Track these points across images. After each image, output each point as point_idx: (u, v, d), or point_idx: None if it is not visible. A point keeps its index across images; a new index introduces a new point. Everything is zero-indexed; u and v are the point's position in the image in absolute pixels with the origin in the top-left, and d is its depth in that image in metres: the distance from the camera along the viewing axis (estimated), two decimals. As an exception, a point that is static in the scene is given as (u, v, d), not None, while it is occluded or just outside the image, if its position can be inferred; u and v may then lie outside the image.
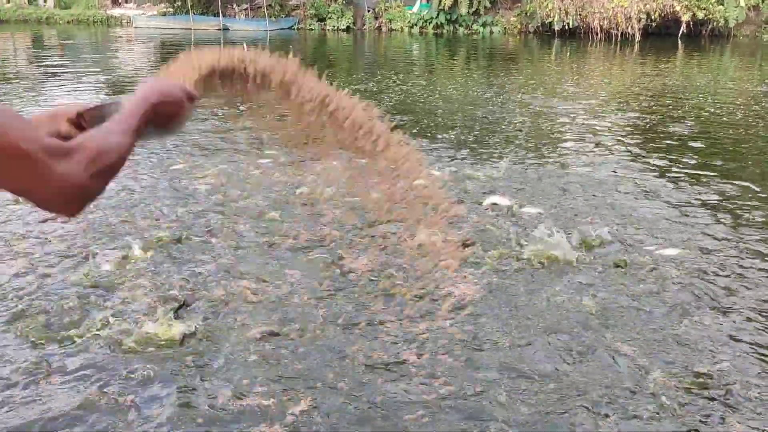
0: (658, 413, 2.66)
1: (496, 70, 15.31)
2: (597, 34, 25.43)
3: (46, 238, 4.25)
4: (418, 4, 28.46)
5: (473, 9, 27.21)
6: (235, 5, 30.18)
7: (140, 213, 4.78)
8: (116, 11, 31.17)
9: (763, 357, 3.09)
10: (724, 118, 9.29)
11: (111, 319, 3.27)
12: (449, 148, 7.07)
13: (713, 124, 8.91)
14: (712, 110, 9.91)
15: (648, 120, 9.08)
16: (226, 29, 27.62)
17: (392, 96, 10.49)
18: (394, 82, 12.32)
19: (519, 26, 27.49)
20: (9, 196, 4.55)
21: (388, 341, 3.15)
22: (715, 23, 25.76)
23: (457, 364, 2.96)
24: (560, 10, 25.70)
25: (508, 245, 4.31)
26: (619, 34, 25.08)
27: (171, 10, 30.63)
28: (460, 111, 9.38)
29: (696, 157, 6.98)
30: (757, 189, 5.77)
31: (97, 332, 3.15)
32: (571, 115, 9.32)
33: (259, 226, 4.56)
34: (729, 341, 3.22)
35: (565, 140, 7.75)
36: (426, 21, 27.69)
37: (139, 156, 6.48)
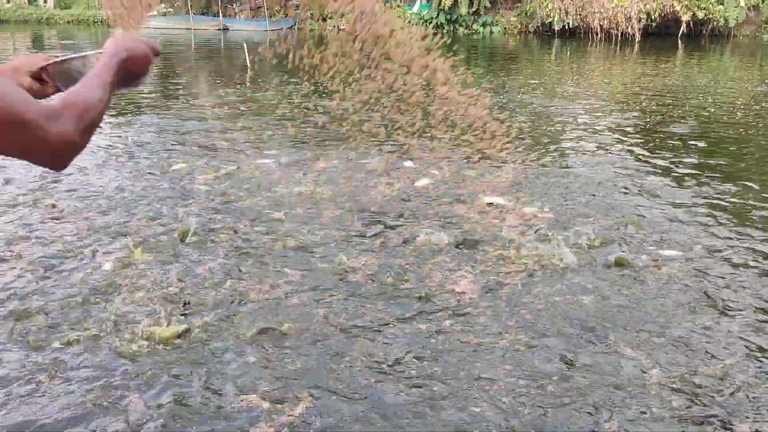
0: (660, 415, 2.65)
1: (496, 70, 15.31)
2: (597, 34, 25.44)
3: (47, 239, 4.25)
4: (418, 4, 28.47)
5: (473, 9, 27.22)
6: (235, 5, 30.18)
7: (140, 213, 4.78)
8: (116, 11, 31.14)
9: (766, 357, 3.09)
10: (725, 118, 9.29)
11: (111, 320, 3.26)
12: (449, 148, 7.06)
13: (713, 123, 8.91)
14: (713, 110, 9.91)
15: (648, 120, 9.08)
16: (225, 29, 27.63)
17: (393, 96, 10.49)
18: (395, 81, 12.31)
19: (519, 26, 27.50)
20: (6, 198, 4.55)
21: (387, 342, 3.15)
22: (715, 23, 25.77)
23: (457, 365, 2.96)
24: (560, 10, 25.71)
25: (508, 245, 4.31)
26: (619, 34, 25.09)
27: (171, 10, 30.64)
28: (460, 111, 9.37)
29: (696, 156, 6.97)
30: (758, 188, 5.77)
31: (97, 332, 3.15)
32: (571, 115, 9.32)
33: (259, 226, 4.56)
34: (731, 341, 3.22)
35: (565, 140, 7.75)
36: (426, 21, 27.69)
37: (140, 156, 6.49)
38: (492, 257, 4.12)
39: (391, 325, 3.29)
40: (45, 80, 1.22)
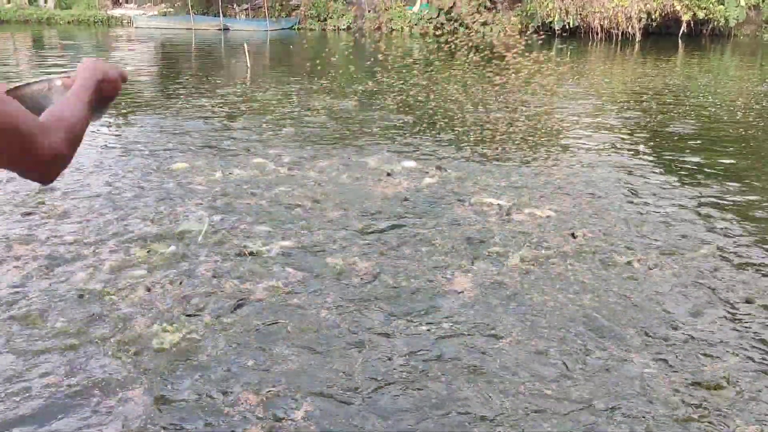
0: (662, 415, 2.65)
1: (496, 70, 15.30)
2: (597, 34, 25.42)
3: (47, 239, 4.25)
4: (418, 4, 28.44)
5: (473, 9, 27.19)
6: (235, 5, 30.18)
7: (141, 213, 4.78)
8: (117, 11, 31.18)
9: None
10: (725, 118, 9.29)
11: (111, 320, 3.27)
12: (449, 148, 7.07)
13: (714, 123, 8.91)
14: (713, 110, 9.91)
15: (649, 119, 9.08)
16: (226, 29, 27.61)
17: (393, 96, 10.48)
18: (395, 81, 12.31)
19: (519, 26, 27.47)
20: (7, 197, 4.54)
21: (387, 343, 3.15)
22: (715, 23, 25.74)
23: (457, 367, 2.96)
24: (560, 10, 25.68)
25: (508, 245, 4.31)
26: (620, 34, 25.06)
27: (172, 10, 30.63)
28: (461, 111, 9.36)
29: (697, 156, 6.97)
30: (760, 187, 5.77)
31: (97, 333, 3.15)
32: (572, 115, 9.32)
33: (260, 226, 4.56)
34: (733, 341, 3.22)
35: (566, 139, 7.75)
36: (427, 21, 27.68)
37: (140, 156, 6.49)
38: (492, 257, 4.12)
39: (391, 326, 3.29)
40: None
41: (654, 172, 6.30)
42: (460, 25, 27.20)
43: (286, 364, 2.94)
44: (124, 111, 9.13)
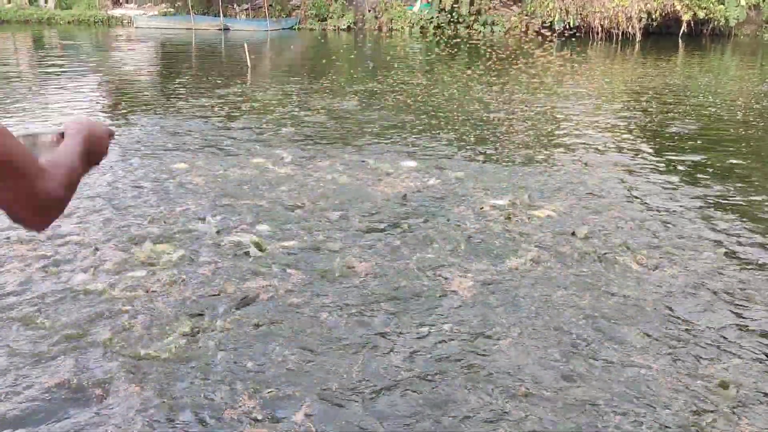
0: (664, 416, 2.65)
1: (497, 70, 15.30)
2: (598, 34, 25.42)
3: (48, 240, 4.25)
4: (419, 3, 28.44)
5: (474, 9, 27.19)
6: (235, 5, 30.18)
7: (141, 213, 4.78)
8: (117, 11, 31.17)
9: None
10: (726, 117, 9.29)
11: (112, 320, 3.27)
12: (450, 148, 7.06)
13: (714, 122, 8.91)
14: (713, 109, 9.90)
15: (649, 119, 9.08)
16: (226, 29, 27.61)
17: (393, 96, 10.48)
18: (395, 81, 12.31)
19: (520, 26, 27.47)
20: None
21: (387, 344, 3.14)
22: (715, 22, 25.76)
23: (457, 368, 2.96)
24: (561, 10, 25.69)
25: (509, 245, 4.31)
26: (620, 34, 25.07)
27: (172, 10, 30.62)
28: (461, 111, 9.36)
29: (697, 155, 6.97)
30: (760, 187, 5.76)
31: (97, 333, 3.15)
32: (573, 115, 9.32)
33: (260, 226, 4.55)
34: (735, 341, 3.21)
35: (566, 139, 7.74)
36: (427, 21, 27.67)
37: (140, 156, 6.49)
38: (492, 257, 4.12)
39: (391, 327, 3.29)
40: None
41: (654, 172, 6.29)
42: (461, 24, 27.22)
43: (285, 364, 2.94)
44: (124, 111, 9.13)
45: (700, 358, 3.05)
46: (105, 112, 9.38)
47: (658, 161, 6.76)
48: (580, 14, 25.61)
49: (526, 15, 26.87)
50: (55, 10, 31.34)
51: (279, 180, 5.66)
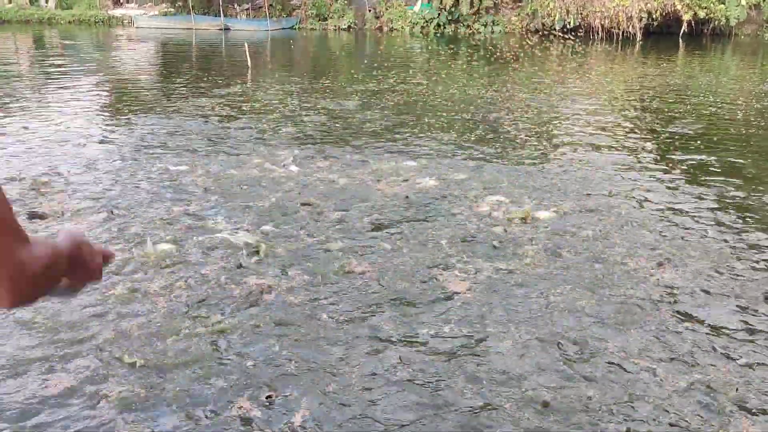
0: (665, 417, 2.64)
1: (497, 70, 15.29)
2: (598, 34, 25.40)
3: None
4: (419, 3, 28.42)
5: (474, 9, 27.18)
6: (236, 5, 30.18)
7: (140, 214, 4.78)
8: (118, 11, 31.17)
9: None
10: (726, 117, 9.28)
11: (111, 320, 3.26)
12: (450, 148, 7.06)
13: (715, 122, 8.90)
14: (714, 109, 9.89)
15: (650, 118, 9.07)
16: (227, 29, 27.61)
17: (393, 96, 10.48)
18: (396, 81, 12.31)
19: (520, 26, 27.46)
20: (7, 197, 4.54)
21: (387, 345, 3.14)
22: (716, 22, 25.72)
23: (457, 368, 2.95)
24: (561, 10, 25.67)
25: (509, 245, 4.30)
26: (621, 34, 25.05)
27: (172, 10, 30.63)
28: (462, 111, 9.36)
29: (698, 154, 6.96)
30: (760, 187, 5.76)
31: (97, 333, 3.15)
32: (573, 114, 9.31)
33: (261, 227, 4.55)
34: (736, 341, 3.21)
35: (567, 139, 7.74)
36: (427, 21, 27.66)
37: (140, 156, 6.49)
38: (492, 257, 4.11)
39: (392, 327, 3.28)
40: None
41: (655, 172, 6.29)
42: (461, 25, 27.22)
43: (285, 365, 2.93)
44: (124, 111, 9.13)
45: (702, 358, 3.05)
46: (105, 111, 9.37)
47: (658, 160, 6.76)
48: (581, 14, 25.59)
49: (527, 15, 26.85)
50: (56, 10, 31.34)
51: (279, 180, 5.66)
